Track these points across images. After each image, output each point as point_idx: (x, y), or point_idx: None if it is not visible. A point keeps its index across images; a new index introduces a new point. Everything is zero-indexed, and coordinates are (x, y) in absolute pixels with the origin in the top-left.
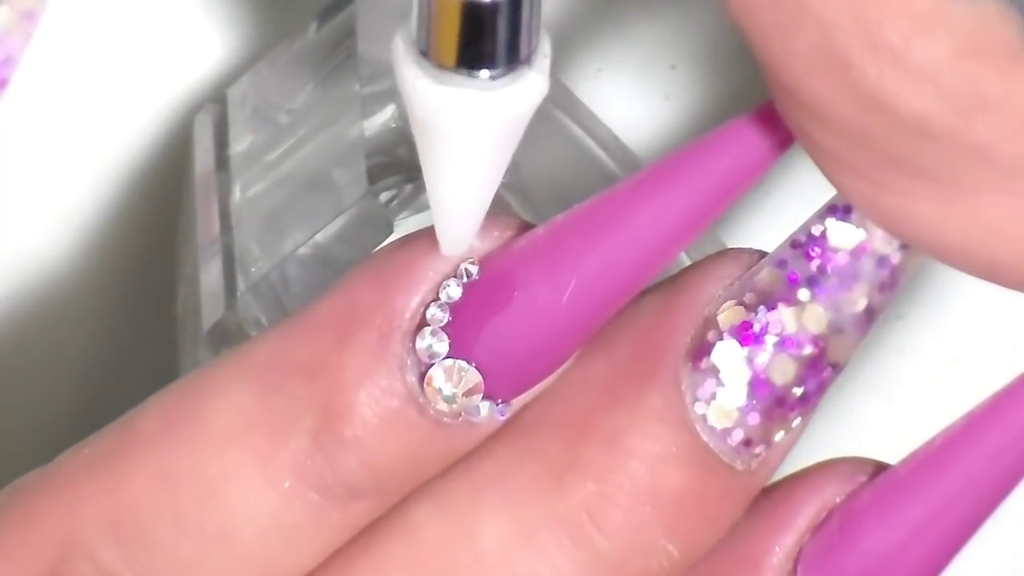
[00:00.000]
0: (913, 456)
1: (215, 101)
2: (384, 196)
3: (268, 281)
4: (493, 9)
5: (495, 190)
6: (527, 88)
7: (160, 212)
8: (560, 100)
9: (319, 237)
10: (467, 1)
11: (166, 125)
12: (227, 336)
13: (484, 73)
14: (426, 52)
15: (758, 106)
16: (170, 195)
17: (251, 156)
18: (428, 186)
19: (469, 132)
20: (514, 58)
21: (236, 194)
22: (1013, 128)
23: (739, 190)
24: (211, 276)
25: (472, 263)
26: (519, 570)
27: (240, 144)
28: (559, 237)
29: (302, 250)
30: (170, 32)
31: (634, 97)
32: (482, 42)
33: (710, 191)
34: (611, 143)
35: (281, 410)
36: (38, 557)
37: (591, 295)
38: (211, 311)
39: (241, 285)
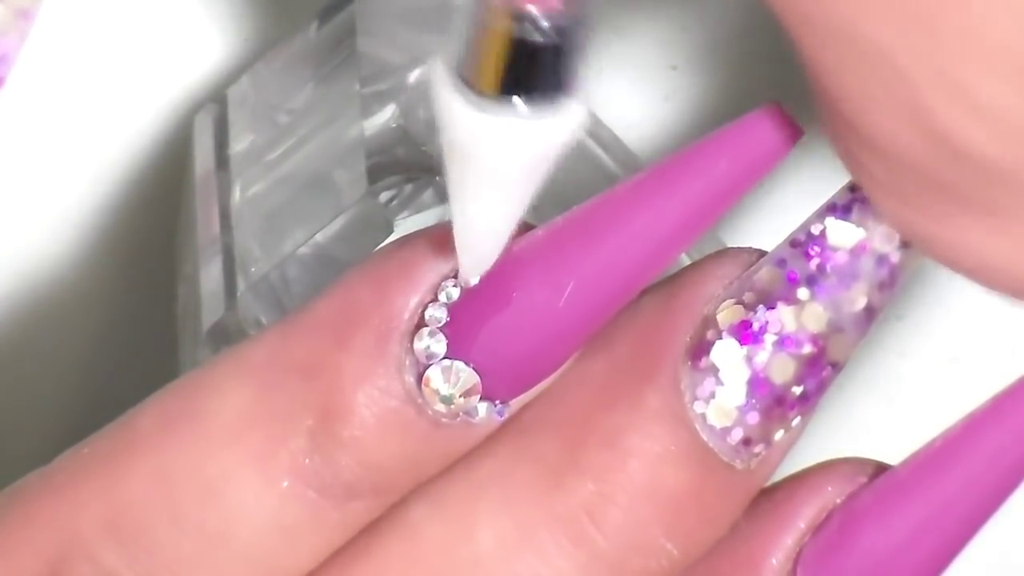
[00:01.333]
0: (913, 457)
1: (215, 101)
2: (384, 196)
3: (268, 281)
4: (545, 48)
5: (520, 217)
6: (567, 120)
7: (160, 212)
8: None
9: (319, 237)
10: (519, 39)
11: (166, 125)
12: (227, 336)
13: (525, 103)
14: (467, 78)
15: (758, 109)
16: (170, 195)
17: (251, 156)
18: (454, 210)
19: (505, 161)
20: (557, 91)
21: (236, 194)
22: None
23: (738, 193)
24: (211, 276)
25: None
26: (518, 570)
27: (240, 144)
28: (558, 239)
29: (302, 250)
30: (170, 32)
31: (634, 97)
32: (530, 76)
33: (709, 194)
34: (611, 143)
35: (280, 410)
36: (38, 557)
37: (589, 297)
38: (211, 311)
39: (241, 285)
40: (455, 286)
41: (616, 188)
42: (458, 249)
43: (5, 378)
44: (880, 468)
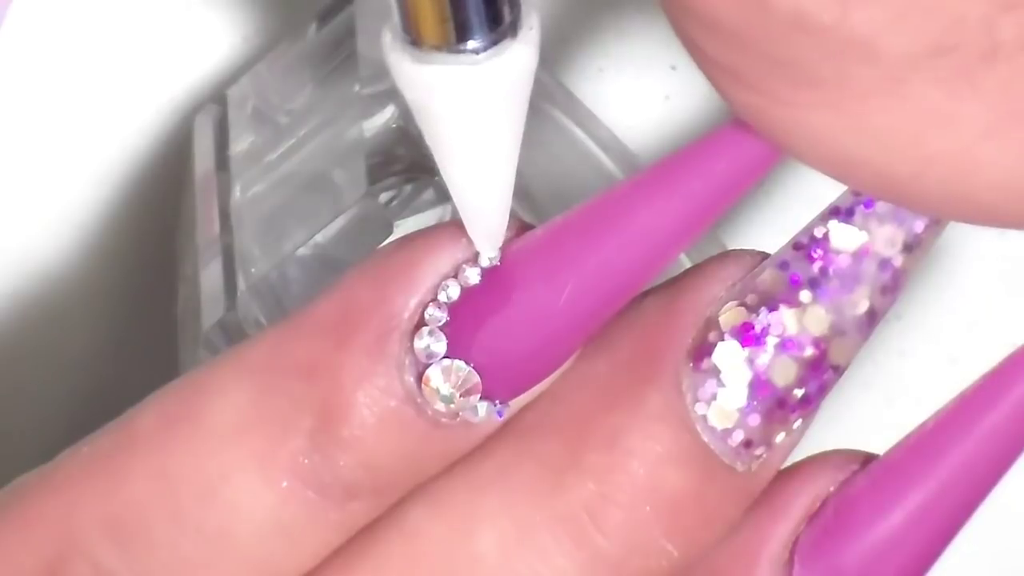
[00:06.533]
0: (906, 440)
1: (215, 101)
2: (384, 196)
3: (268, 281)
4: None
5: (512, 175)
6: (513, 59)
7: (160, 212)
8: (560, 100)
9: (319, 237)
10: None
11: (166, 125)
12: (227, 336)
13: (468, 46)
14: (411, 38)
15: None
16: (170, 195)
17: (251, 156)
18: (447, 181)
19: (460, 109)
20: (496, 29)
21: (236, 194)
22: (892, 17)
23: (737, 192)
24: (211, 276)
25: (472, 267)
26: (519, 570)
27: (240, 144)
28: (557, 238)
29: (302, 250)
30: (171, 32)
31: (634, 97)
32: (460, 14)
33: (708, 193)
34: (611, 143)
35: (279, 410)
36: (36, 557)
37: (589, 296)
38: (211, 311)
39: (241, 285)
40: (455, 285)
41: (615, 187)
42: (466, 224)
43: (5, 378)
44: (871, 458)
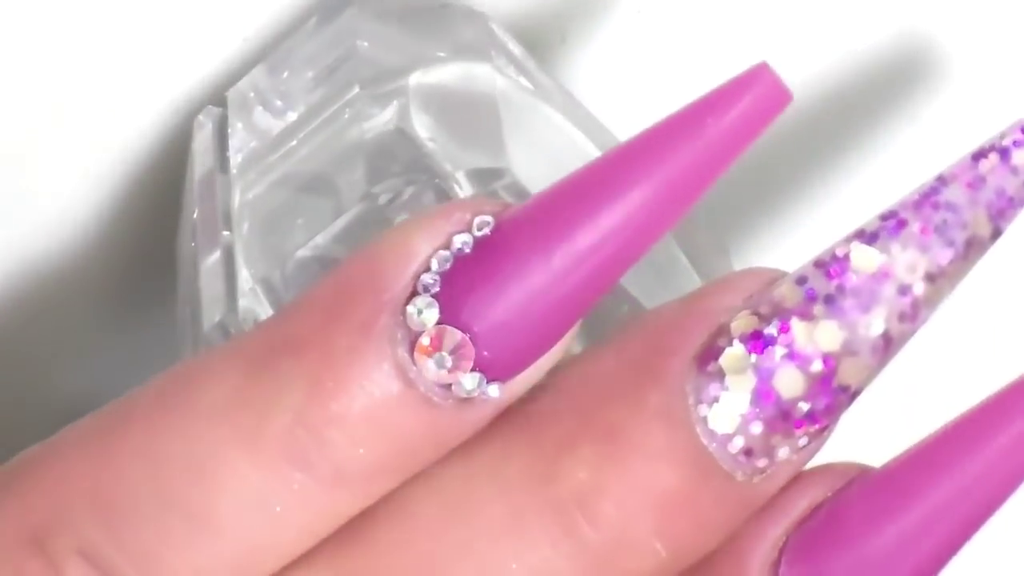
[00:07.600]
0: (905, 454)
1: (215, 103)
2: (384, 197)
3: (268, 282)
4: None
5: None
6: None
7: (160, 213)
8: (560, 101)
9: (319, 238)
10: None
11: (166, 127)
12: (227, 336)
13: None
14: None
15: (748, 69)
16: (171, 196)
17: (251, 158)
18: None
19: None
20: None
21: (236, 195)
22: None
23: (730, 156)
24: (211, 277)
25: (464, 235)
26: (505, 555)
27: (240, 146)
28: (548, 204)
29: (302, 251)
30: (170, 32)
31: (633, 98)
32: None
33: (700, 155)
34: (611, 145)
35: (268, 387)
36: (24, 526)
37: (581, 263)
38: (211, 312)
39: (241, 286)
40: (447, 253)
41: (606, 154)
42: None
43: (5, 377)
44: (868, 470)
